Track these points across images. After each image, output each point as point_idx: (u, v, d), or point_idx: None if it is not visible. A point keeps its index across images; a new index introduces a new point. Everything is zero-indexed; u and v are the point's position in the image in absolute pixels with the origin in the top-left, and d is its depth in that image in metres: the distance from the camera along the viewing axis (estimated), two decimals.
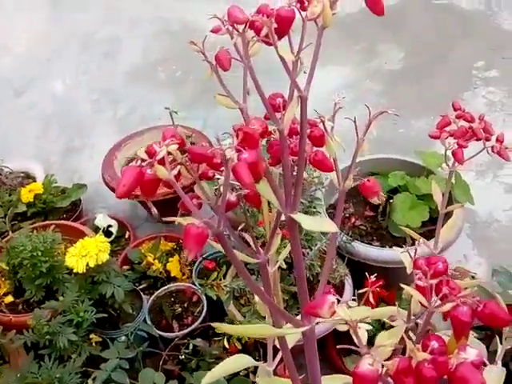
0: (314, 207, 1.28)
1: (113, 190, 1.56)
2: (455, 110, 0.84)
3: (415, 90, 2.29)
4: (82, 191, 1.67)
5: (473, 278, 1.43)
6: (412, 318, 0.50)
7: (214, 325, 0.45)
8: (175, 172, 0.36)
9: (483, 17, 2.69)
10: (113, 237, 1.59)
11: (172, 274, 1.48)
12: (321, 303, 0.32)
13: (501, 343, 0.91)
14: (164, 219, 0.38)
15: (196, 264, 1.44)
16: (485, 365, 0.93)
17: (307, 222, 0.42)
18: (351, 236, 1.36)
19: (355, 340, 0.31)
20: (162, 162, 0.36)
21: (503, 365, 0.90)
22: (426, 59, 2.44)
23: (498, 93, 2.29)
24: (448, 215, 1.28)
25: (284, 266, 1.21)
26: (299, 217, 0.42)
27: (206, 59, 0.40)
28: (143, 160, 0.34)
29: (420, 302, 0.36)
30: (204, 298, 1.34)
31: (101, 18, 2.67)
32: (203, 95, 2.09)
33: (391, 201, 1.43)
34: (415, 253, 0.51)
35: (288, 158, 0.43)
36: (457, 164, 0.86)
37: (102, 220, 1.59)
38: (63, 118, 2.18)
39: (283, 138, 0.41)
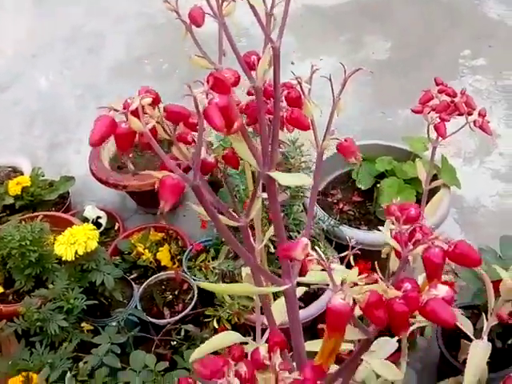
0: (302, 192, 1.28)
1: (100, 180, 1.55)
2: (437, 84, 0.85)
3: (402, 79, 2.30)
4: (69, 184, 1.66)
5: None
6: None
7: (199, 284, 0.45)
8: (150, 126, 0.37)
9: (470, 6, 2.71)
10: (102, 228, 1.59)
11: (162, 264, 1.48)
12: (295, 245, 0.33)
13: (486, 320, 0.92)
14: (140, 172, 0.38)
15: (186, 253, 1.44)
16: (471, 340, 0.94)
17: (284, 179, 0.42)
18: (339, 221, 1.37)
19: (328, 280, 0.31)
20: (136, 115, 0.36)
21: (489, 341, 0.91)
22: (413, 49, 2.45)
23: (485, 81, 2.30)
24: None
25: (272, 250, 1.22)
26: (276, 174, 0.43)
27: (179, 18, 0.40)
28: (116, 110, 0.34)
29: (395, 251, 0.37)
30: (194, 284, 1.35)
31: (86, 14, 2.66)
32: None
33: (378, 185, 1.44)
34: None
35: (264, 117, 0.43)
36: (440, 139, 0.87)
37: (90, 211, 1.58)
38: (48, 114, 2.18)
39: (259, 95, 0.42)
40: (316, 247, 0.33)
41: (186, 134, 0.45)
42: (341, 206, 1.46)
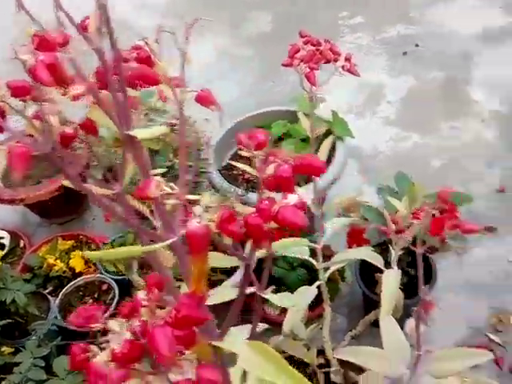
0: (204, 168, 1.29)
1: None
2: (302, 37, 0.89)
3: (285, 48, 2.35)
4: None
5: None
6: None
7: (85, 253, 0.45)
8: None
9: None
10: (6, 249, 1.52)
11: (77, 270, 1.44)
12: (147, 184, 0.33)
13: (393, 249, 0.99)
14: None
15: None
16: (381, 272, 0.99)
17: (142, 133, 0.43)
18: (246, 190, 1.39)
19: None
20: None
21: (402, 271, 0.98)
22: (294, 18, 2.52)
23: (365, 37, 2.41)
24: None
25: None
26: (135, 131, 0.43)
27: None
28: None
29: (250, 174, 0.39)
30: (114, 282, 1.32)
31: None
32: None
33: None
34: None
35: (112, 78, 0.43)
36: (314, 88, 0.90)
37: None
38: None
39: (102, 57, 0.41)
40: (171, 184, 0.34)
41: (38, 112, 0.44)
42: (245, 176, 1.48)
